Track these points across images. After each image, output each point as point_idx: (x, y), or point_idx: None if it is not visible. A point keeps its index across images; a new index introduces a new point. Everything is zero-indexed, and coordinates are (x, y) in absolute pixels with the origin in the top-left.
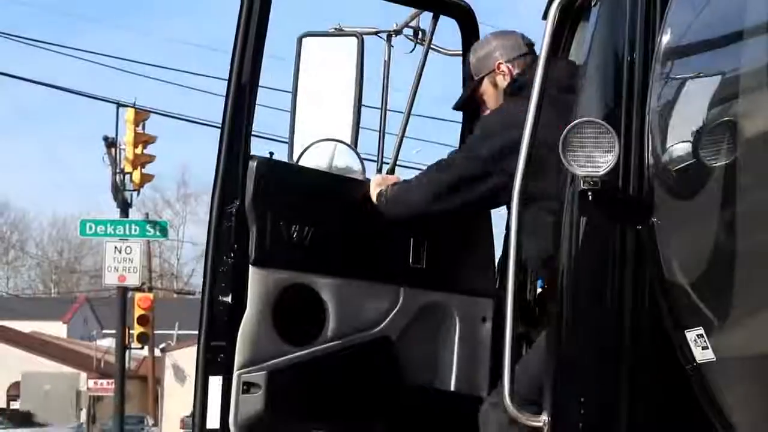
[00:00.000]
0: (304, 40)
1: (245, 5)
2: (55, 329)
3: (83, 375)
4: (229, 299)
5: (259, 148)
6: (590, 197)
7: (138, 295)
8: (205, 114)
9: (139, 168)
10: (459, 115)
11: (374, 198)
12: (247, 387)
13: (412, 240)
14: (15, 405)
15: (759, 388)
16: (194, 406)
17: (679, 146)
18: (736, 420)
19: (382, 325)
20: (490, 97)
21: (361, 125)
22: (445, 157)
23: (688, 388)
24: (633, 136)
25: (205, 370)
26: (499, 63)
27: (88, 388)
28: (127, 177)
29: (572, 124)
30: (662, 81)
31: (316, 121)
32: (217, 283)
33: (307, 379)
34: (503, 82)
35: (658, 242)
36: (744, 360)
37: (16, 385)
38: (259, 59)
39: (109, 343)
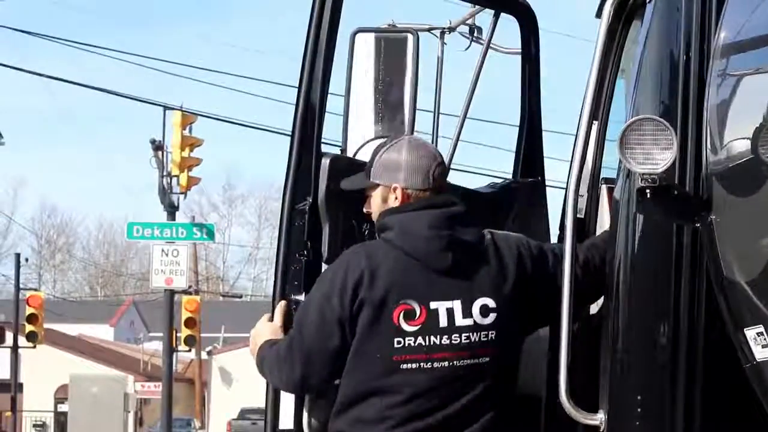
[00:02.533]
0: (357, 36)
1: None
2: (102, 332)
3: (130, 378)
4: (301, 298)
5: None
6: (648, 195)
7: (185, 298)
8: (251, 117)
9: (185, 171)
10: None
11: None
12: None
13: None
14: (62, 408)
15: None
16: (266, 405)
17: (737, 143)
18: None
19: None
20: (376, 205)
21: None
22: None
23: (747, 388)
24: (691, 133)
25: None
26: (396, 187)
27: (135, 391)
28: (174, 180)
29: (630, 121)
30: (720, 77)
31: (369, 119)
32: (290, 282)
33: None
34: (393, 202)
35: (717, 240)
36: None
37: (63, 389)
38: (331, 55)
39: (155, 346)
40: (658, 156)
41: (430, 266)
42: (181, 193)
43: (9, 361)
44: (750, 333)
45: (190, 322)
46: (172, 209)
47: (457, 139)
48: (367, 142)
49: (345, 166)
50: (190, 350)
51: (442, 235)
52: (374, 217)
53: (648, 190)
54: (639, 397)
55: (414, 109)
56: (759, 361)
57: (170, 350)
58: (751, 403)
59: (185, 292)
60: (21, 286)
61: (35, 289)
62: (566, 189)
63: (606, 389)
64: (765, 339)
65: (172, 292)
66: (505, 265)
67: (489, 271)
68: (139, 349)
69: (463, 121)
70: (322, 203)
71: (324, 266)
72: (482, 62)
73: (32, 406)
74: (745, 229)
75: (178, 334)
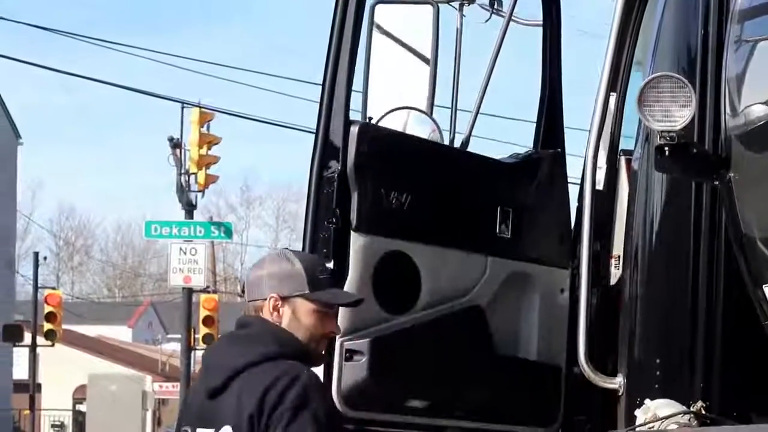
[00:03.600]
0: (377, 7)
1: None
2: (120, 334)
3: (148, 377)
4: (330, 265)
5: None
6: (667, 152)
7: (203, 297)
8: (271, 115)
9: (203, 169)
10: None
11: None
12: (350, 355)
13: (498, 210)
14: (81, 408)
15: None
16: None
17: (756, 101)
18: None
19: (471, 294)
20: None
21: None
22: None
23: (765, 345)
24: (709, 92)
25: None
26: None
27: (153, 391)
28: (192, 178)
29: (649, 78)
30: (738, 36)
31: (389, 89)
32: (318, 250)
33: (406, 346)
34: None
35: (735, 198)
36: None
37: (81, 389)
38: (360, 18)
39: (173, 347)
40: (677, 113)
41: (203, 388)
42: (199, 191)
43: (27, 360)
44: None
45: (208, 321)
46: (189, 208)
47: (477, 113)
48: (388, 112)
49: (373, 133)
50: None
51: (210, 356)
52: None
53: (666, 148)
54: (658, 361)
55: (435, 78)
56: None
57: (188, 349)
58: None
59: (203, 291)
60: (39, 286)
61: (53, 288)
62: (584, 160)
63: (624, 354)
64: None
65: (190, 291)
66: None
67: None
68: (158, 350)
69: (483, 94)
70: (351, 171)
71: (353, 234)
72: (504, 34)
73: (50, 406)
74: (764, 187)
75: (197, 335)
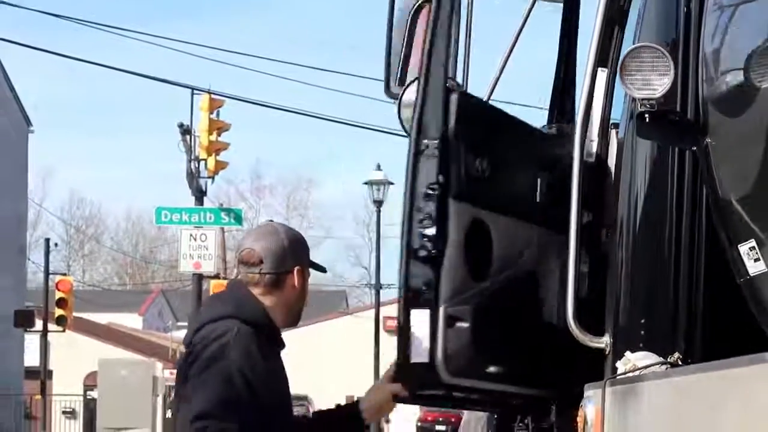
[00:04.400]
0: None
1: None
2: (131, 321)
3: (159, 364)
4: (430, 232)
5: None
6: (647, 119)
7: (213, 283)
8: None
9: (213, 155)
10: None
11: None
12: (452, 321)
13: (555, 185)
14: (92, 395)
15: None
16: (398, 341)
17: (732, 70)
18: None
19: (532, 265)
20: None
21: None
22: None
23: (742, 303)
24: (689, 61)
25: (407, 304)
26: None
27: (164, 377)
28: (202, 164)
29: (630, 48)
30: (717, 7)
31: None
32: (415, 218)
33: (494, 312)
34: None
35: (712, 163)
36: None
37: (92, 376)
38: None
39: (183, 334)
40: (656, 82)
41: None
42: (209, 177)
43: (39, 347)
44: (743, 248)
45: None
46: (200, 194)
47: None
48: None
49: (470, 102)
50: None
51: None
52: None
53: (647, 115)
54: (642, 321)
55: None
56: (752, 275)
57: None
58: (746, 318)
59: (213, 277)
60: (50, 272)
61: (64, 274)
62: (575, 132)
63: (611, 314)
64: (756, 253)
65: (200, 277)
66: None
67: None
68: (168, 338)
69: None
70: (451, 138)
71: (451, 201)
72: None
73: (61, 392)
74: (739, 151)
75: None
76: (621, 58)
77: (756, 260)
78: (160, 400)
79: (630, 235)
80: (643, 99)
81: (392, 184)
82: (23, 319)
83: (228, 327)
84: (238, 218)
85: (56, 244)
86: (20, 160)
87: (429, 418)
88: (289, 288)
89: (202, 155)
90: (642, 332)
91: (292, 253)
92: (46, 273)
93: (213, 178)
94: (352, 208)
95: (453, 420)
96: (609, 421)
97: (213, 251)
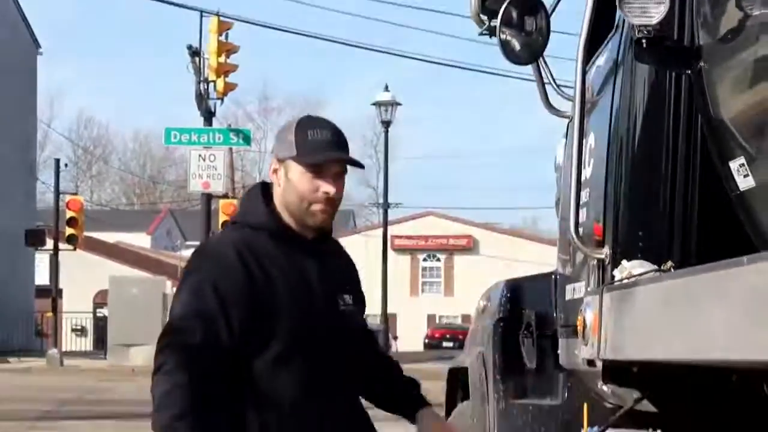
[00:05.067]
0: None
1: None
2: (140, 241)
3: (168, 282)
4: None
5: None
6: (644, 44)
7: (222, 202)
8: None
9: (222, 77)
10: None
11: None
12: None
13: None
14: (101, 313)
15: None
16: None
17: None
18: None
19: None
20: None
21: None
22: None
23: (733, 216)
24: None
25: None
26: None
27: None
28: (211, 86)
29: None
30: None
31: None
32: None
33: None
34: None
35: (705, 85)
36: None
37: (102, 294)
38: None
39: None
40: (653, 9)
41: None
42: (218, 99)
43: (49, 266)
44: (733, 165)
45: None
46: (208, 115)
47: None
48: None
49: None
50: None
51: None
52: (339, 204)
53: (644, 41)
54: (640, 233)
55: None
56: (742, 190)
57: None
58: (736, 230)
59: (222, 196)
60: (60, 192)
61: (74, 194)
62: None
63: (611, 227)
64: (746, 170)
65: (209, 196)
66: None
67: None
68: (177, 256)
69: None
70: None
71: None
72: None
73: (71, 310)
74: (729, 74)
75: None
76: None
77: (745, 176)
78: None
79: (629, 152)
80: (640, 25)
81: (399, 104)
82: (34, 239)
83: (214, 236)
84: (247, 139)
85: (66, 165)
86: (29, 81)
87: (436, 335)
88: (284, 182)
89: (211, 77)
90: (639, 243)
91: (281, 145)
92: (57, 193)
93: (222, 99)
94: (360, 128)
95: (460, 336)
96: (605, 324)
97: (222, 171)
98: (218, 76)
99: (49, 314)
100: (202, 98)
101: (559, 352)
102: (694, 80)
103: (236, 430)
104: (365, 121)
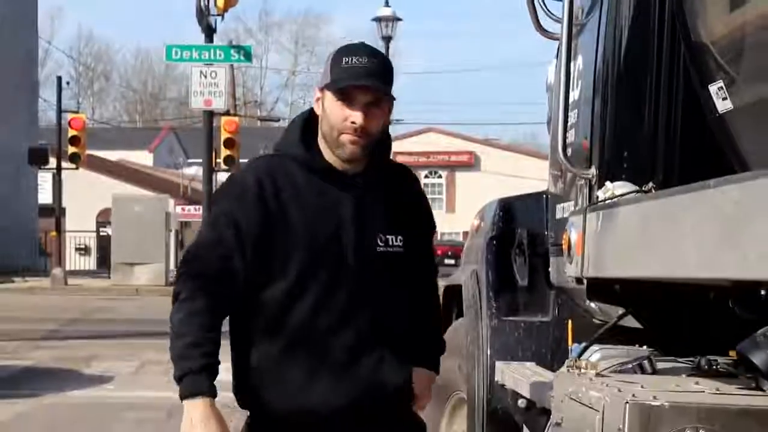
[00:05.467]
0: None
1: None
2: (142, 158)
3: (171, 200)
4: None
5: None
6: None
7: (224, 119)
8: None
9: None
10: None
11: None
12: None
13: None
14: (104, 231)
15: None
16: None
17: None
18: (751, 160)
19: None
20: (382, 123)
21: None
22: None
23: (713, 138)
24: None
25: None
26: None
27: (176, 213)
28: (212, 2)
29: None
30: None
31: None
32: None
33: None
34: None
35: (686, 11)
36: (755, 105)
37: (105, 212)
38: None
39: (194, 171)
40: None
41: None
42: (218, 15)
43: (51, 185)
44: (713, 88)
45: (229, 143)
46: (209, 32)
47: None
48: None
49: None
50: (229, 170)
51: None
52: (374, 136)
53: None
54: (625, 154)
55: None
56: (720, 113)
57: (210, 171)
58: (716, 151)
59: (224, 113)
60: (62, 110)
61: (76, 112)
62: None
63: (597, 147)
64: (724, 93)
65: (211, 114)
66: None
67: None
68: (179, 174)
69: None
70: None
71: None
72: None
73: (74, 229)
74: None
75: (218, 159)
76: None
77: (724, 99)
78: (172, 235)
79: (615, 75)
80: None
81: (400, 20)
82: (37, 157)
83: (245, 164)
84: (248, 55)
85: (68, 83)
86: None
87: (438, 252)
88: (321, 112)
89: None
90: (624, 165)
91: (323, 74)
92: (59, 111)
93: (222, 15)
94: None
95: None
96: (588, 242)
97: (223, 88)
98: None
99: (53, 233)
100: (202, 14)
101: (549, 270)
102: (675, 4)
103: (243, 358)
104: (367, 36)
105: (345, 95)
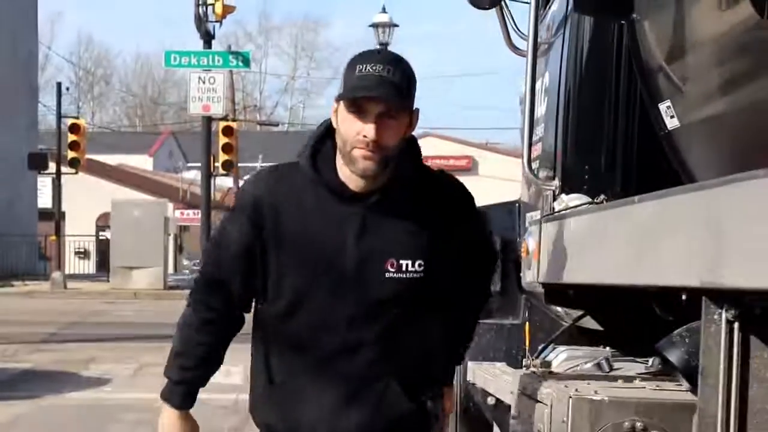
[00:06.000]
0: None
1: None
2: (141, 162)
3: (170, 204)
4: None
5: None
6: None
7: (222, 124)
8: None
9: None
10: None
11: None
12: None
13: None
14: (104, 235)
15: (709, 145)
16: None
17: None
18: (696, 173)
19: None
20: (399, 135)
21: None
22: None
23: (664, 153)
24: None
25: None
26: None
27: (175, 218)
28: (210, 9)
29: None
30: None
31: None
32: None
33: None
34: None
35: (637, 34)
36: (699, 123)
37: (104, 216)
38: None
39: (193, 175)
40: None
41: None
42: (217, 22)
43: (51, 189)
44: (662, 107)
45: (227, 148)
46: (208, 38)
47: None
48: None
49: None
50: (228, 174)
51: None
52: (390, 150)
53: None
54: (586, 167)
55: None
56: (669, 130)
57: (208, 176)
58: (667, 165)
59: (222, 118)
60: (62, 116)
61: (76, 117)
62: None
63: (560, 162)
64: (672, 111)
65: (209, 119)
66: None
67: None
68: (178, 179)
69: None
70: None
71: None
72: None
73: (73, 233)
74: (657, 24)
75: (216, 164)
76: None
77: (672, 117)
78: (171, 239)
79: (576, 92)
80: None
81: (396, 26)
82: (37, 162)
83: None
84: (246, 61)
85: (68, 88)
86: (30, 3)
87: None
88: (337, 125)
89: (210, 0)
90: (585, 176)
91: (341, 83)
92: (59, 116)
93: (221, 22)
94: (359, 49)
95: None
96: (543, 250)
97: (221, 94)
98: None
99: (53, 238)
100: (201, 21)
101: (521, 275)
102: (628, 30)
103: (252, 377)
104: (365, 42)
105: (356, 106)
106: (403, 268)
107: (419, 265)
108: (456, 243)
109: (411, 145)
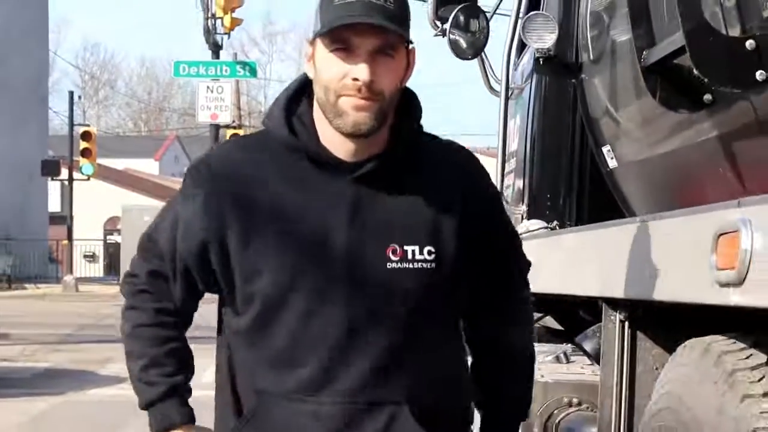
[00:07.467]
0: None
1: None
2: (147, 167)
3: None
4: None
5: None
6: (541, 62)
7: (228, 131)
8: None
9: (229, 13)
10: None
11: None
12: None
13: None
14: (112, 239)
15: (641, 181)
16: None
17: (596, 32)
18: (633, 207)
19: None
20: (398, 78)
21: None
22: None
23: (607, 188)
24: (570, 24)
25: None
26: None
27: None
28: (218, 21)
29: (528, 15)
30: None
31: None
32: None
33: None
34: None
35: (584, 91)
36: (632, 164)
37: (112, 221)
38: None
39: None
40: (546, 36)
41: None
42: (225, 34)
43: (60, 194)
44: (605, 149)
45: None
46: (216, 49)
47: None
48: None
49: None
50: None
51: None
52: (387, 98)
53: (541, 59)
54: (548, 195)
55: None
56: (610, 168)
57: None
58: (611, 199)
59: (229, 126)
60: (74, 124)
61: (87, 125)
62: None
63: (527, 192)
64: (611, 153)
65: (217, 127)
66: None
67: None
68: None
69: None
70: None
71: None
72: None
73: (82, 237)
74: (598, 84)
75: None
76: (522, 21)
77: (612, 158)
78: None
79: (541, 135)
80: (537, 48)
81: None
82: (49, 169)
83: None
84: (253, 71)
85: (80, 97)
86: (41, 11)
87: None
88: (314, 73)
89: (219, 13)
90: (548, 203)
91: (314, 22)
92: (71, 124)
93: (228, 34)
94: None
95: None
96: None
97: (229, 102)
98: (225, 13)
99: (65, 242)
100: (209, 33)
101: None
102: (578, 87)
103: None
104: None
105: (341, 41)
106: (409, 256)
107: (429, 253)
108: (472, 225)
109: (409, 99)
